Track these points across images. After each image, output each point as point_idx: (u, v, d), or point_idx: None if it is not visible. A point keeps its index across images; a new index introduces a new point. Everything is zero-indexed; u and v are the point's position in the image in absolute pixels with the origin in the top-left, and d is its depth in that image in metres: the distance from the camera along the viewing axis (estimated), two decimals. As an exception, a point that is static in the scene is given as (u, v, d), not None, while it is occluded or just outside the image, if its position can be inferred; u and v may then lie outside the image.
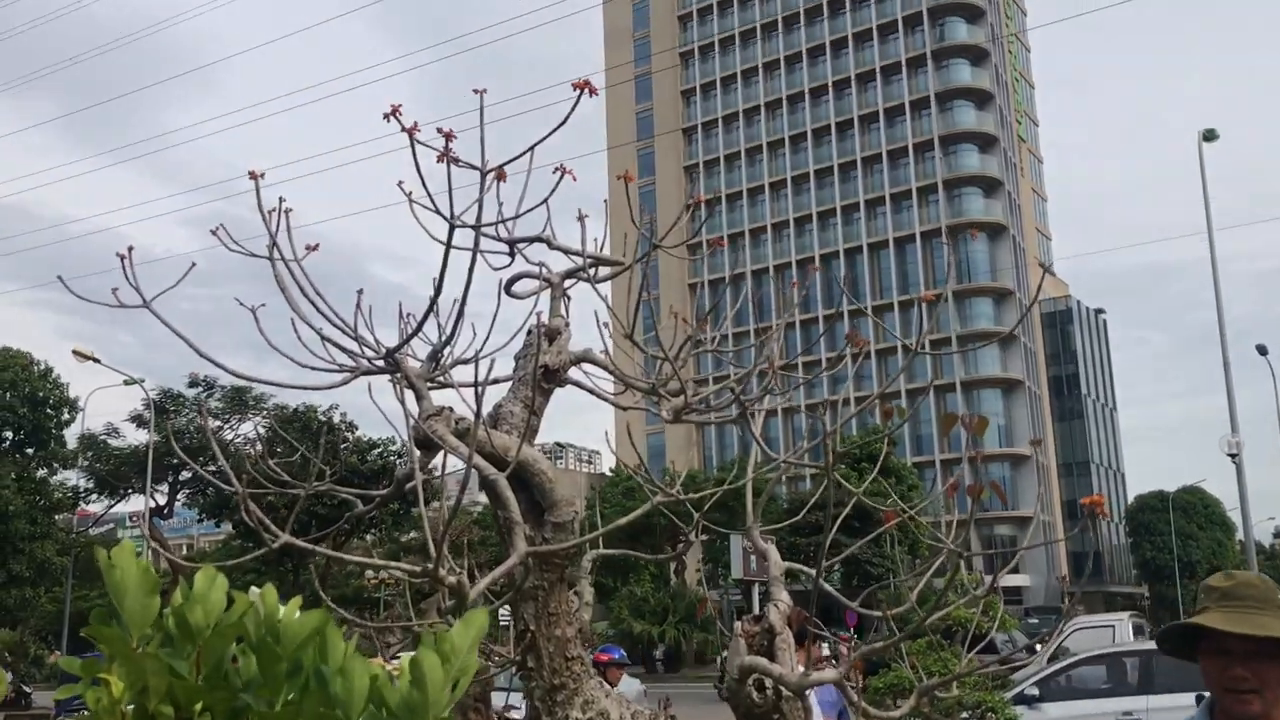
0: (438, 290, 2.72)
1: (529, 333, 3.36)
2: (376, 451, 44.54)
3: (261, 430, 48.02)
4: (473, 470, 2.93)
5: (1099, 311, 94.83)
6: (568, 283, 3.67)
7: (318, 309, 3.02)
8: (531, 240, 3.34)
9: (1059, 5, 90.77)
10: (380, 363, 3.04)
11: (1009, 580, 74.43)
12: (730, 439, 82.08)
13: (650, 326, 3.44)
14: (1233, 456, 25.54)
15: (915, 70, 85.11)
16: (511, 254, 3.35)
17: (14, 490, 35.66)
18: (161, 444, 42.02)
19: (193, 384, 47.01)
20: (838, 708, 6.62)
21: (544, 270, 3.46)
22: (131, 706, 1.84)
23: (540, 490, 3.11)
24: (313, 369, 3.17)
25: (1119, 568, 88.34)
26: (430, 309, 2.75)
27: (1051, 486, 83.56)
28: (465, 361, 3.23)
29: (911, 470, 64.25)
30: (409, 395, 3.11)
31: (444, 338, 3.13)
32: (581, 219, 3.61)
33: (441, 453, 3.04)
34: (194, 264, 3.03)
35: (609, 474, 67.62)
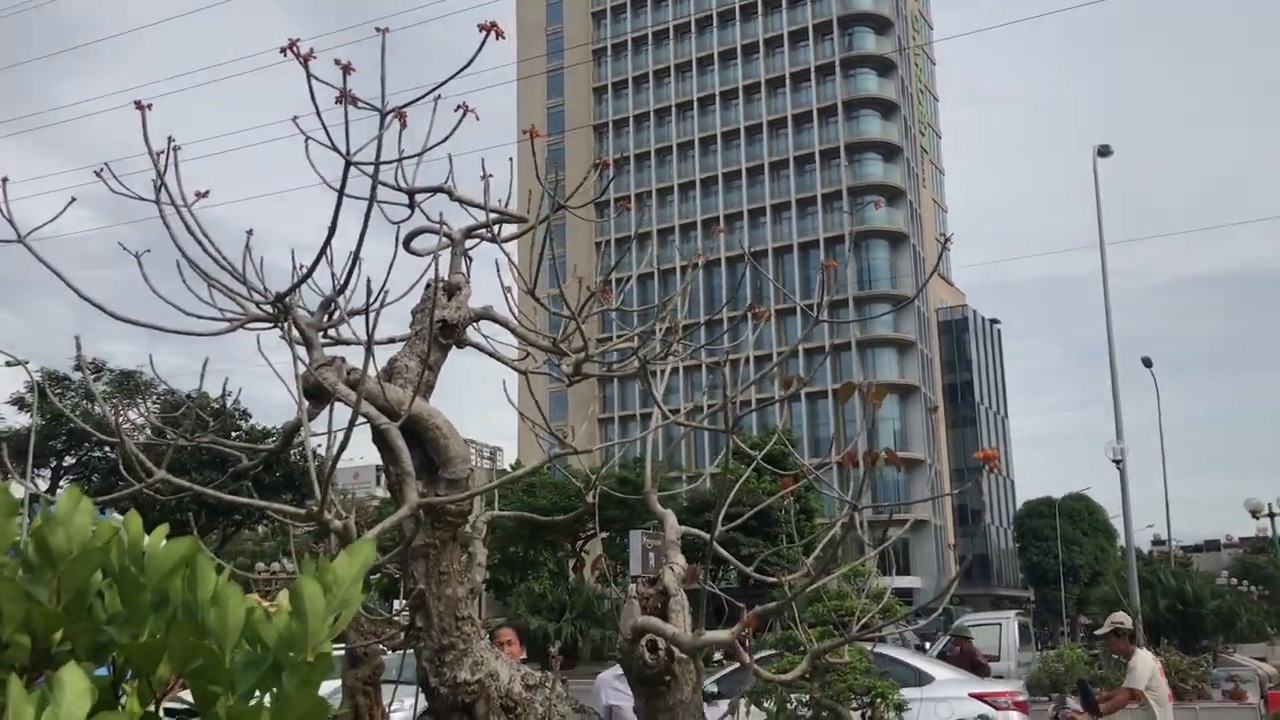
0: (330, 233, 2.63)
1: (427, 286, 3.28)
2: (270, 441, 43.54)
3: (150, 416, 46.60)
4: (365, 422, 2.84)
5: (994, 321, 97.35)
6: (470, 241, 3.59)
7: (206, 252, 2.90)
8: (433, 191, 3.26)
9: (966, 20, 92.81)
10: (269, 309, 2.93)
11: (900, 581, 75.82)
12: (634, 434, 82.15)
13: (556, 285, 3.38)
14: (1118, 462, 26.36)
15: (823, 78, 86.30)
16: (411, 205, 3.26)
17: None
18: (44, 427, 40.54)
19: (78, 367, 45.46)
20: None
21: (445, 226, 3.38)
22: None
23: (434, 446, 3.03)
24: (199, 317, 3.05)
25: (1007, 571, 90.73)
26: (322, 252, 2.66)
27: (944, 490, 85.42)
28: (359, 313, 3.13)
29: (809, 472, 64.81)
30: (300, 347, 3.01)
31: (337, 287, 3.04)
32: (485, 177, 3.54)
33: (333, 405, 2.94)
34: (73, 199, 2.88)
35: (509, 470, 67.17)
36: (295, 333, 2.95)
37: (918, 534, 79.32)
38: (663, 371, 3.55)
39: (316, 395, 2.89)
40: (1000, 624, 20.54)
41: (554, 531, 53.75)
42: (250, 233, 2.90)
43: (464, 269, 3.46)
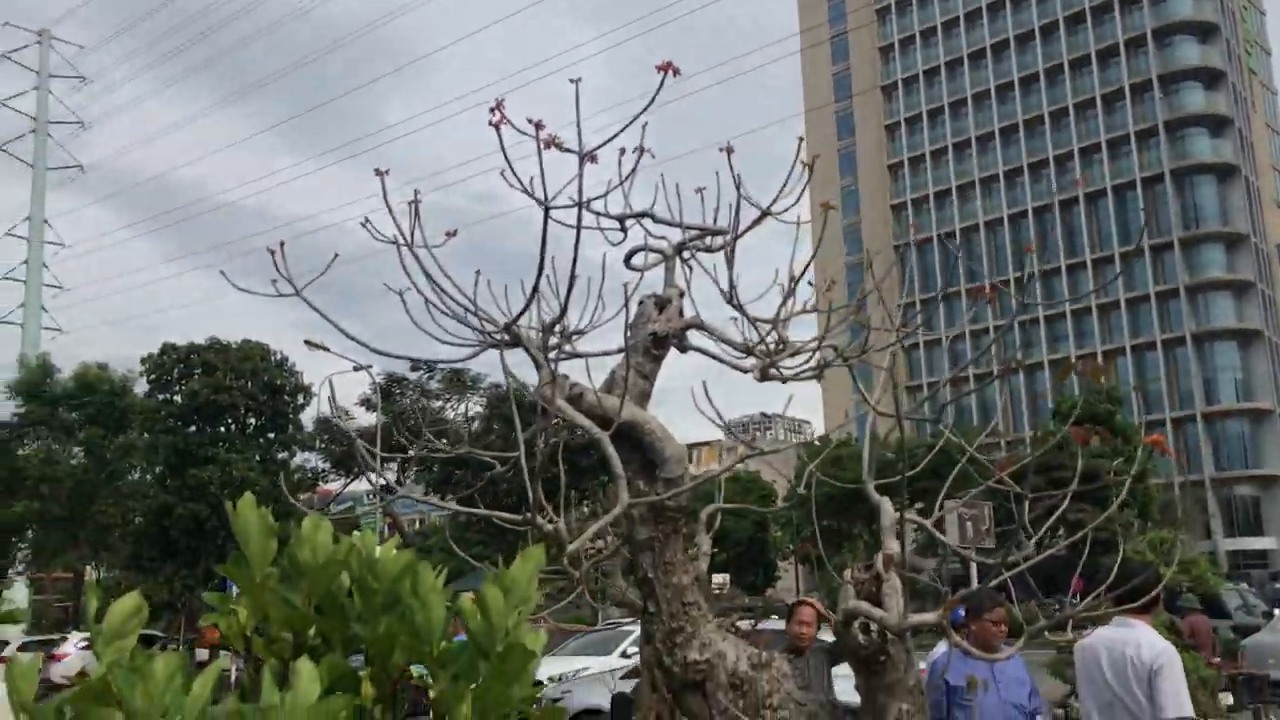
0: (539, 269, 2.98)
1: (640, 302, 3.59)
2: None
3: (479, 409, 50.30)
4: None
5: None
6: (704, 252, 3.86)
7: (442, 292, 3.33)
8: (638, 216, 3.56)
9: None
10: (502, 336, 3.32)
11: (1251, 543, 69.80)
12: (943, 402, 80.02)
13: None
14: None
15: (1129, 7, 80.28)
16: (623, 229, 3.58)
17: (259, 472, 38.54)
18: (388, 424, 44.50)
19: (415, 368, 49.58)
20: (1028, 686, 6.32)
21: (648, 243, 3.68)
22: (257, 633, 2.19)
23: (652, 449, 3.34)
24: (449, 344, 3.50)
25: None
26: (536, 285, 3.02)
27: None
28: (580, 332, 3.48)
29: (1139, 430, 60.91)
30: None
31: (561, 308, 3.40)
32: (699, 191, 3.79)
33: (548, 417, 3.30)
34: (336, 255, 3.39)
35: (817, 443, 67.19)
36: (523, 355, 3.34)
37: (1270, 490, 72.64)
38: (886, 359, 3.69)
39: (545, 410, 3.26)
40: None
41: (865, 502, 53.24)
42: (479, 272, 3.31)
43: (679, 281, 3.74)
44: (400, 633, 2.13)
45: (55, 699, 1.86)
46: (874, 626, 3.19)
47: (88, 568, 48.39)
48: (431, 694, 2.04)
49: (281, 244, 3.42)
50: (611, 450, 2.97)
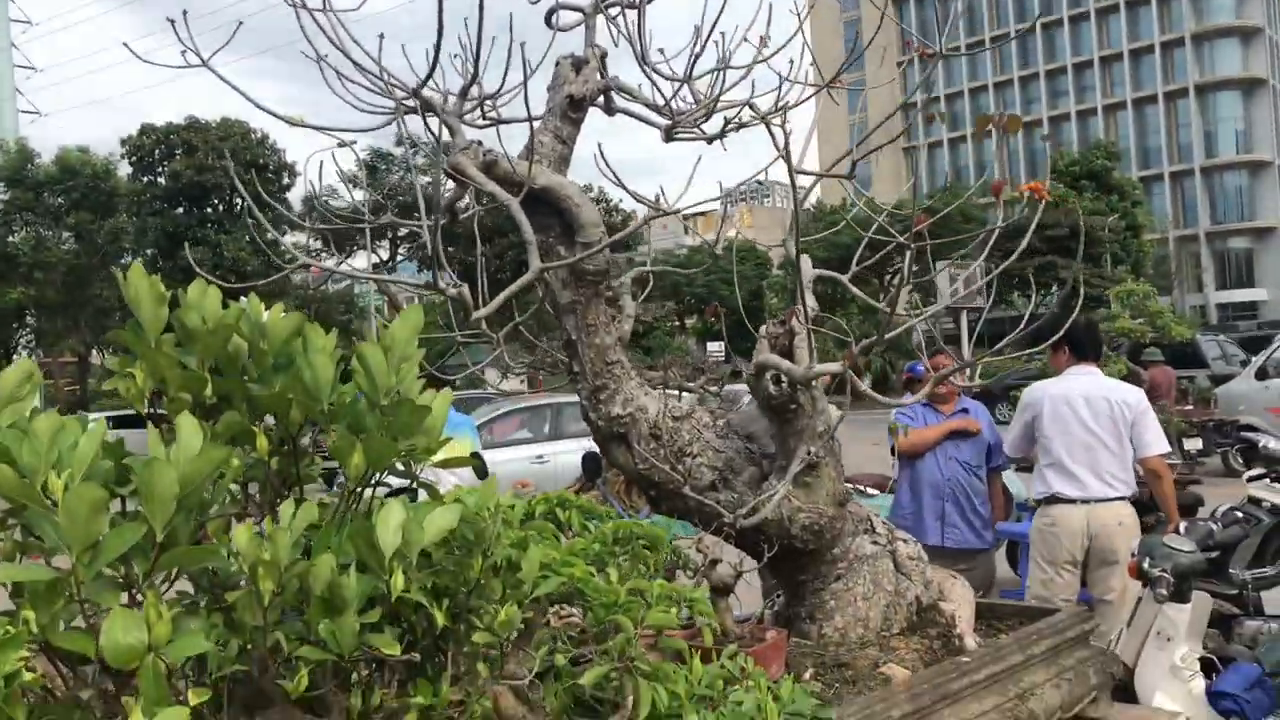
0: (440, 26, 2.93)
1: (557, 64, 3.54)
2: (601, 206, 45.52)
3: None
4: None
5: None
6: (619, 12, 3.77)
7: (348, 55, 3.29)
8: (548, -28, 3.47)
9: None
10: (412, 103, 3.31)
11: (1243, 294, 70.55)
12: (941, 165, 79.34)
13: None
14: None
15: None
16: (537, -13, 3.50)
17: (249, 252, 38.59)
18: (377, 202, 44.23)
19: (399, 142, 48.80)
20: (986, 443, 6.56)
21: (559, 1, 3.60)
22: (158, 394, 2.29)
23: (570, 215, 3.38)
24: (362, 111, 3.48)
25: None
26: (438, 45, 2.98)
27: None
28: (496, 96, 3.46)
29: (1137, 185, 60.45)
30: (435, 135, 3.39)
31: (471, 74, 3.36)
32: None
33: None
34: (240, 23, 3.33)
35: (812, 209, 66.88)
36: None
37: (1264, 242, 72.86)
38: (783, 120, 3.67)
39: (458, 178, 3.29)
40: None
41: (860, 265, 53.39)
42: (382, 36, 3.26)
43: (598, 41, 3.67)
44: (294, 391, 2.24)
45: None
46: (784, 377, 3.32)
47: (92, 350, 49.16)
48: (328, 443, 2.17)
49: (184, 12, 3.35)
50: (522, 216, 3.00)
